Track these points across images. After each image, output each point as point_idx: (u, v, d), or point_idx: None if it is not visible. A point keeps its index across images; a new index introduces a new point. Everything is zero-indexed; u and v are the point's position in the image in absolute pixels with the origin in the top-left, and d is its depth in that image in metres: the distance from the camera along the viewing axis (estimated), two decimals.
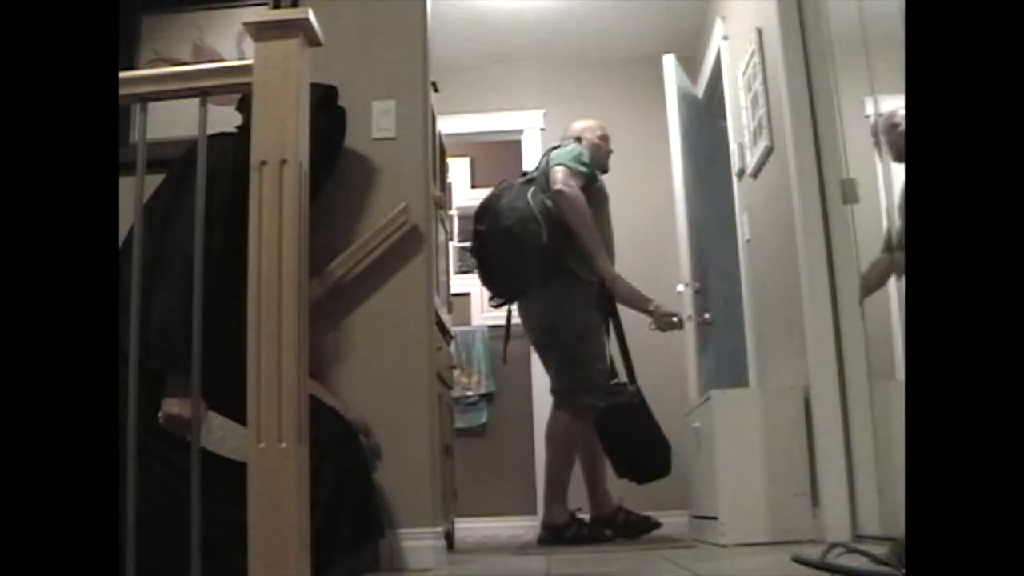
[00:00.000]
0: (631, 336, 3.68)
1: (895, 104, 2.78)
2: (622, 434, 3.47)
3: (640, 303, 3.75)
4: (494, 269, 3.60)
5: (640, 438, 3.46)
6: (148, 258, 1.95)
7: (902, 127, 2.82)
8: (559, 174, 3.51)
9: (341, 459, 2.15)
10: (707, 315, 4.17)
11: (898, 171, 2.82)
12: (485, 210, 3.60)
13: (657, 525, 3.58)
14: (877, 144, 2.92)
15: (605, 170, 3.86)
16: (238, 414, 1.38)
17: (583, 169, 3.59)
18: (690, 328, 4.15)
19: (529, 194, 3.54)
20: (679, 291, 4.17)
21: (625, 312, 3.69)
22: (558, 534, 3.45)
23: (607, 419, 3.47)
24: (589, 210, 3.50)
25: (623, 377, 3.61)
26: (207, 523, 1.47)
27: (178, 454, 1.79)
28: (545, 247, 3.44)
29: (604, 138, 3.88)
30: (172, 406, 1.94)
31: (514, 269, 3.53)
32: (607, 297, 3.57)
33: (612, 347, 3.62)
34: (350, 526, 2.12)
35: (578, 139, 3.80)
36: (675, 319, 3.77)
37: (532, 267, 3.49)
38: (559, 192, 3.48)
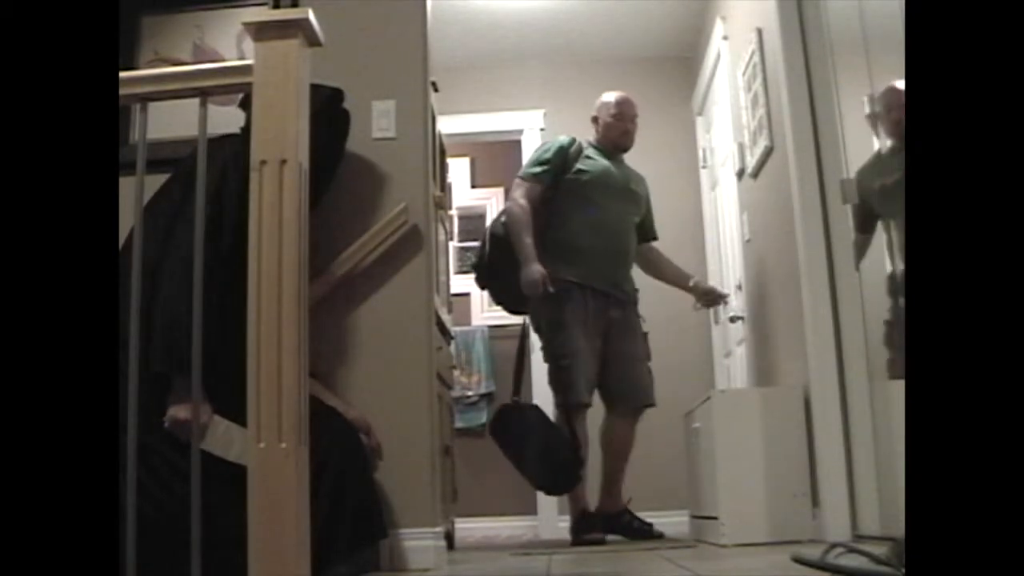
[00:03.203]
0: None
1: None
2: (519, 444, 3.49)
3: (678, 280, 3.84)
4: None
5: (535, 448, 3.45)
6: (154, 259, 1.95)
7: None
8: (512, 187, 3.71)
9: (342, 460, 2.14)
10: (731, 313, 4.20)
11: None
12: None
13: (659, 535, 3.52)
14: (875, 127, 2.87)
15: (621, 148, 3.76)
16: (246, 418, 1.38)
17: (537, 170, 3.62)
18: (725, 327, 4.20)
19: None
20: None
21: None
22: (612, 522, 3.51)
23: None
24: (522, 218, 3.52)
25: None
26: (213, 526, 1.47)
27: (183, 457, 1.79)
28: (490, 263, 3.66)
29: (619, 115, 3.75)
30: (178, 411, 1.93)
31: (488, 285, 3.83)
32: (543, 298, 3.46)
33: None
34: (351, 527, 2.11)
35: (595, 119, 3.81)
36: (718, 294, 3.80)
37: (494, 282, 3.73)
38: (503, 210, 3.70)
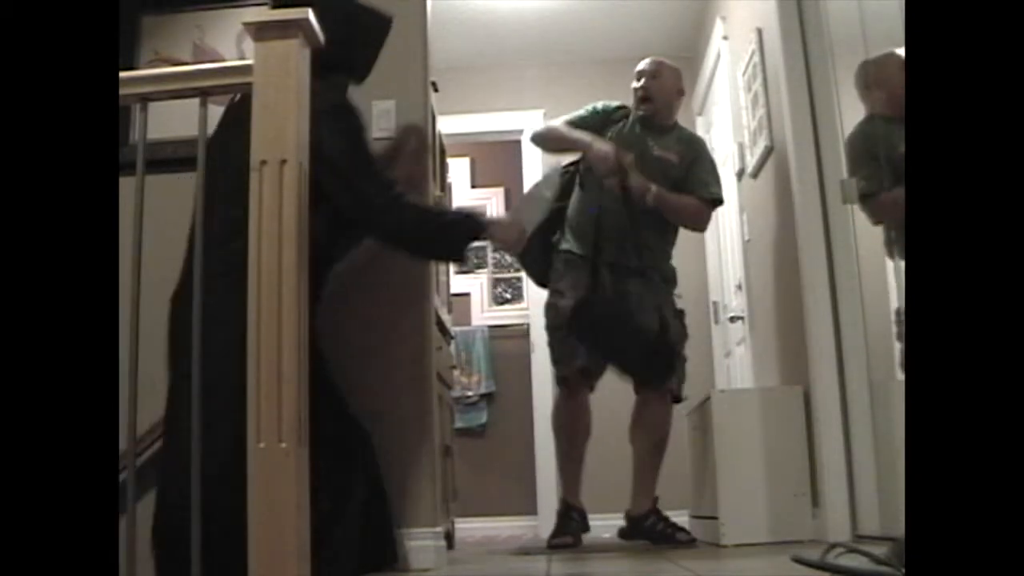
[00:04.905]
0: None
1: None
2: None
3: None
4: None
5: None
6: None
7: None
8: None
9: (367, 491, 2.17)
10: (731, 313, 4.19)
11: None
12: None
13: (689, 542, 3.07)
14: (866, 98, 2.76)
15: (646, 117, 3.37)
16: None
17: (576, 119, 3.39)
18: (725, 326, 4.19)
19: None
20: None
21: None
22: (636, 526, 3.20)
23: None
24: (559, 123, 3.35)
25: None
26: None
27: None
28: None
29: (635, 78, 3.43)
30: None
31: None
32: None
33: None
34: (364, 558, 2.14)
35: None
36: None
37: (530, 266, 3.50)
38: (537, 133, 3.53)
